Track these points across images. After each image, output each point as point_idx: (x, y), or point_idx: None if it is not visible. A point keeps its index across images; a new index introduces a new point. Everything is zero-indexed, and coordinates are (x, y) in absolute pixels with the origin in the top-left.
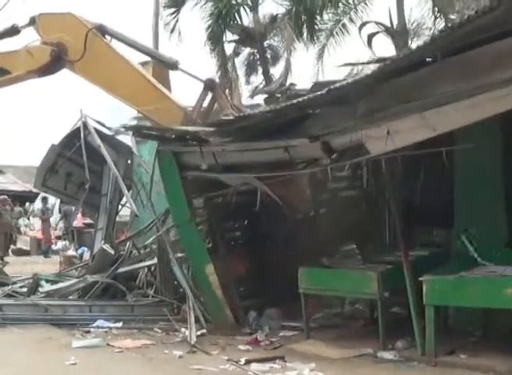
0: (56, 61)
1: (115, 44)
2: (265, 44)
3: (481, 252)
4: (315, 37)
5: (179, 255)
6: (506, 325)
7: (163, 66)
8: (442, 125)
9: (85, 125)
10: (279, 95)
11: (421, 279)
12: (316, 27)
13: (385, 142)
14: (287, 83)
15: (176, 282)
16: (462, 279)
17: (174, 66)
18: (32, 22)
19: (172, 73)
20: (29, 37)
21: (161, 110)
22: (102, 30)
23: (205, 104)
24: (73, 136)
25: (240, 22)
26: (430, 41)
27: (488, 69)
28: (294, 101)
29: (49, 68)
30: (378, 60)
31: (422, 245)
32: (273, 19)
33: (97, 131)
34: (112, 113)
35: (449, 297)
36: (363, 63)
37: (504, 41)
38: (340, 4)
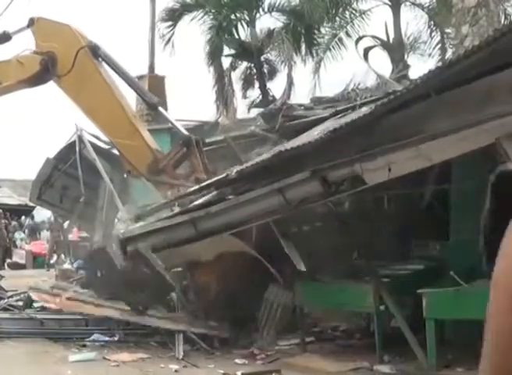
0: (46, 70)
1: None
2: (262, 58)
3: (479, 266)
4: (313, 52)
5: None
6: None
7: (159, 81)
8: (438, 156)
9: (80, 139)
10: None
11: (420, 291)
12: (314, 41)
13: (381, 173)
14: (290, 100)
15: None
16: (462, 291)
17: (154, 106)
18: (30, 23)
19: (171, 86)
20: (21, 46)
21: (132, 147)
22: (95, 51)
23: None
24: (69, 150)
25: (237, 36)
26: (425, 79)
27: (482, 103)
28: (290, 147)
29: (39, 77)
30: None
31: (418, 258)
32: (270, 33)
33: (93, 145)
34: None
35: (449, 310)
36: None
37: (497, 76)
38: (337, 18)
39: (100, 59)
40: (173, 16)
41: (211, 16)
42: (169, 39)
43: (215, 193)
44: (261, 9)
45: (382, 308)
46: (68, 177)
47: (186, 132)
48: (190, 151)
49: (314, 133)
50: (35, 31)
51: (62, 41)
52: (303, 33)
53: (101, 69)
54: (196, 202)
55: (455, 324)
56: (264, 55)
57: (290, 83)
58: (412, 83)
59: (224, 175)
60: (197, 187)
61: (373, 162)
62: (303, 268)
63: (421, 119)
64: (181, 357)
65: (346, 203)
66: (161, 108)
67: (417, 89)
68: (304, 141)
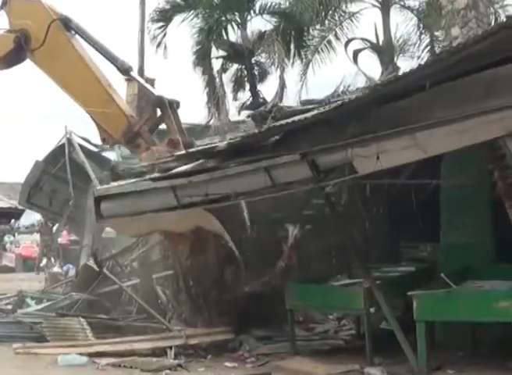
0: (20, 48)
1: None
2: (253, 60)
3: (469, 268)
4: (302, 54)
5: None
6: (494, 339)
7: (149, 83)
8: (433, 148)
9: (70, 141)
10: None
11: (410, 294)
12: (304, 44)
13: (373, 161)
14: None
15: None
16: (452, 294)
17: (126, 71)
18: (3, 4)
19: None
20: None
21: (107, 115)
22: (67, 23)
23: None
24: (58, 152)
25: (227, 38)
26: (420, 67)
27: (482, 96)
28: (283, 122)
29: (14, 56)
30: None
31: (409, 260)
32: (261, 35)
33: (82, 148)
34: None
35: (439, 312)
36: None
37: (499, 69)
38: (326, 20)
39: (73, 32)
40: (165, 17)
41: (202, 18)
42: (161, 40)
43: (198, 162)
44: (252, 11)
45: (372, 310)
46: (57, 180)
47: (156, 93)
48: (164, 113)
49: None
50: (9, 11)
51: (35, 18)
52: (293, 35)
53: (74, 41)
54: (177, 169)
55: (445, 326)
56: (255, 58)
57: (283, 85)
58: (413, 70)
59: (211, 146)
60: (180, 153)
61: (365, 149)
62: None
63: (421, 109)
64: (172, 360)
65: (339, 204)
66: (132, 73)
67: (418, 74)
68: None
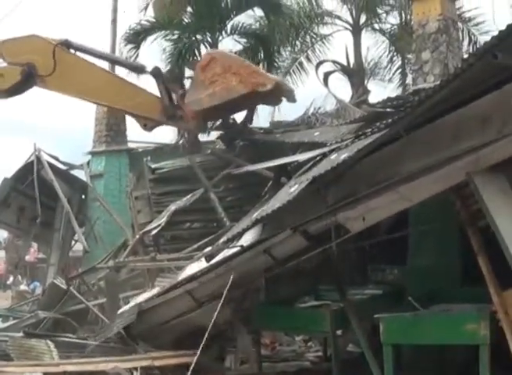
0: (26, 80)
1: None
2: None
3: (437, 291)
4: (273, 74)
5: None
6: (462, 362)
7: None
8: (418, 196)
9: (38, 159)
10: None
11: (377, 316)
12: (275, 64)
13: (363, 220)
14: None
15: None
16: (420, 316)
17: (141, 69)
18: None
19: None
20: None
21: (141, 104)
22: (68, 45)
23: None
24: (26, 170)
25: (198, 58)
26: (393, 122)
27: (452, 139)
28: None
29: (19, 87)
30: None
31: (376, 283)
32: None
33: (51, 165)
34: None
35: (407, 335)
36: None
37: (463, 110)
38: (297, 42)
39: (75, 52)
40: (136, 39)
41: (172, 42)
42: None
43: (205, 265)
44: (223, 31)
45: (339, 332)
46: (25, 198)
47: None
48: (158, 82)
49: (290, 190)
50: (5, 54)
51: (36, 50)
52: (262, 56)
53: (81, 57)
54: (187, 274)
55: (413, 349)
56: None
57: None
58: (382, 124)
59: (211, 248)
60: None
61: (352, 211)
62: None
63: (394, 161)
64: None
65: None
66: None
67: (390, 130)
68: (282, 200)
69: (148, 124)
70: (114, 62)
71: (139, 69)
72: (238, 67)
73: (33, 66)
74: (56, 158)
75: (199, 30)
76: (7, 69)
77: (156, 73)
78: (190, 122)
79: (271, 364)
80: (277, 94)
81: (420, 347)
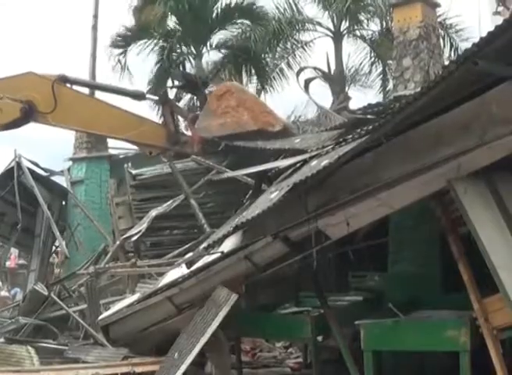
0: (25, 117)
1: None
2: (207, 91)
3: (417, 298)
4: (254, 83)
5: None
6: (442, 369)
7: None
8: (398, 202)
9: (19, 165)
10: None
11: (357, 323)
12: (260, 72)
13: (343, 227)
14: None
15: None
16: (400, 323)
17: (141, 96)
18: None
19: None
20: None
21: (145, 132)
22: (64, 79)
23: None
24: (7, 176)
25: (182, 69)
26: (374, 128)
27: (432, 146)
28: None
29: (18, 123)
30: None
31: (356, 290)
32: (215, 65)
33: (31, 172)
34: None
35: (387, 341)
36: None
37: (443, 117)
38: (278, 48)
39: (72, 86)
40: (125, 41)
41: (158, 51)
42: (123, 66)
43: (186, 271)
44: (208, 44)
45: (319, 338)
46: (5, 204)
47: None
48: (165, 108)
49: (271, 197)
50: (1, 93)
51: (33, 87)
52: (243, 63)
53: (80, 90)
54: (168, 280)
55: (393, 356)
56: (209, 88)
57: None
58: (363, 130)
59: (191, 255)
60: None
61: (333, 218)
62: None
63: (375, 168)
64: None
65: None
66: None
67: (370, 136)
68: (262, 206)
69: (154, 151)
70: (113, 92)
71: (140, 97)
72: (252, 103)
73: (33, 104)
74: (36, 165)
75: (185, 37)
76: (7, 104)
77: (163, 100)
78: (195, 146)
79: (251, 370)
80: (282, 135)
81: (400, 353)
